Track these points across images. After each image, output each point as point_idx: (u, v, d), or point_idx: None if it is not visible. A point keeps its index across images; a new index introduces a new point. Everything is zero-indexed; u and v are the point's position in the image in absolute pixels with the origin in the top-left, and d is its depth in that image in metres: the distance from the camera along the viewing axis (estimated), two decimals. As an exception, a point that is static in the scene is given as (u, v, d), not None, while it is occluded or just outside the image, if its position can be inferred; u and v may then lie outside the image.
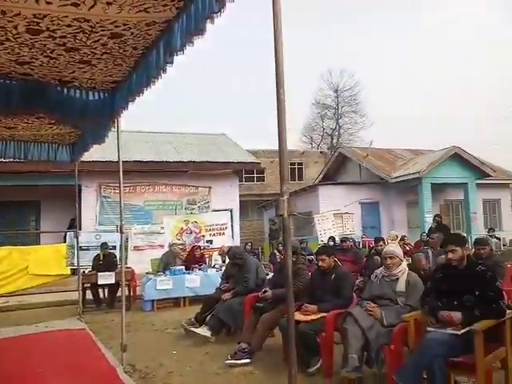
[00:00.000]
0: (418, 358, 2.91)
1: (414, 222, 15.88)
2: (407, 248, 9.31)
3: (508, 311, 3.14)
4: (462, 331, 2.92)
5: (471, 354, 2.90)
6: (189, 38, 2.60)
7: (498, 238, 14.37)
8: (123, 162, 4.50)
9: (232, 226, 12.46)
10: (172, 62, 2.93)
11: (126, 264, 6.17)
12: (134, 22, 2.87)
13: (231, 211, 12.86)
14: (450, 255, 3.18)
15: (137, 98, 3.75)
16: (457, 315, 3.02)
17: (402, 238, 10.11)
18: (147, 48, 3.26)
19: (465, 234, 12.59)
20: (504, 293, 3.57)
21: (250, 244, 11.74)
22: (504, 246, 14.67)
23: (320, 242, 12.78)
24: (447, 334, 2.97)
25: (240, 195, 15.09)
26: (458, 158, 15.05)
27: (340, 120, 36.00)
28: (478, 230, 15.15)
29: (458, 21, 55.96)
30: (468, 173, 15.28)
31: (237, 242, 12.57)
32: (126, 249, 11.28)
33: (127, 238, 11.16)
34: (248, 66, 63.34)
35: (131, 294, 8.04)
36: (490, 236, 14.24)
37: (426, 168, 14.52)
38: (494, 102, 52.64)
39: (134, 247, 11.00)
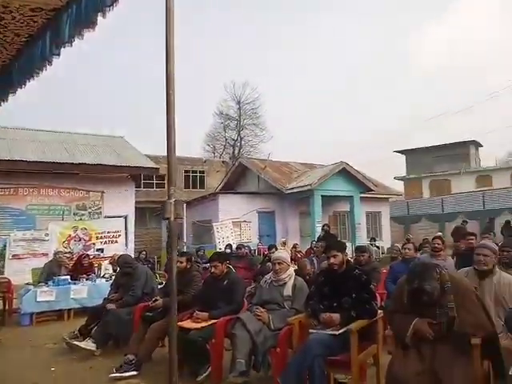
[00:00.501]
0: (300, 359, 3.06)
1: (305, 231, 16.80)
2: (298, 255, 9.83)
3: (379, 311, 3.47)
4: (340, 331, 3.15)
5: (348, 353, 3.15)
6: (78, 30, 2.46)
7: (378, 247, 15.88)
8: (2, 160, 4.05)
9: (126, 233, 11.93)
10: (59, 54, 2.74)
11: (2, 274, 5.54)
12: (16, 6, 2.63)
13: (126, 218, 12.31)
14: (332, 260, 3.42)
15: (18, 89, 3.44)
16: (336, 316, 3.25)
17: (294, 246, 10.64)
18: (32, 36, 3.00)
19: (349, 243, 13.68)
20: (378, 295, 3.96)
21: (144, 252, 11.31)
22: (382, 253, 16.24)
23: (218, 250, 12.85)
24: (327, 334, 3.17)
25: (137, 202, 14.52)
26: (345, 172, 16.34)
27: (242, 131, 36.84)
28: (362, 239, 16.58)
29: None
30: (354, 187, 16.67)
31: (131, 251, 12.05)
32: (4, 257, 10.15)
33: (5, 245, 10.04)
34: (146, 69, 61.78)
35: (6, 307, 7.22)
36: (371, 245, 15.69)
37: (317, 181, 15.50)
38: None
39: (13, 255, 9.90)
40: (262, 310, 3.77)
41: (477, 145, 33.89)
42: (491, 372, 2.74)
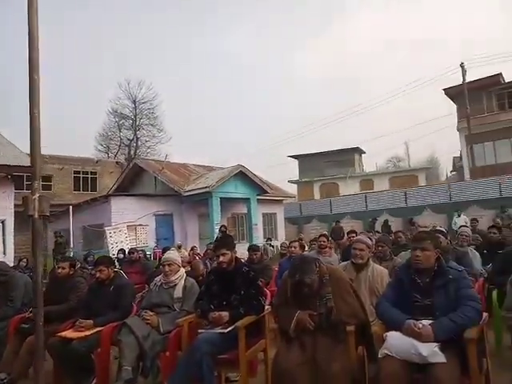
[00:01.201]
0: (188, 359, 3.02)
1: (204, 233, 16.76)
2: (197, 258, 9.76)
3: (267, 307, 3.57)
4: (229, 329, 3.17)
5: (236, 350, 3.18)
6: None
7: (273, 246, 16.48)
8: None
9: (4, 239, 10.71)
10: None
11: None
12: None
13: (3, 222, 11.03)
14: (221, 258, 3.44)
15: None
16: (225, 314, 3.27)
17: (192, 249, 10.54)
18: None
19: (247, 243, 13.97)
20: (269, 291, 4.08)
21: (25, 260, 10.26)
22: (277, 252, 16.90)
23: (112, 256, 12.16)
24: (216, 333, 3.17)
25: (18, 205, 13.08)
26: (242, 175, 16.68)
27: (138, 132, 35.53)
28: (259, 240, 17.07)
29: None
30: (251, 189, 17.10)
31: (10, 258, 10.82)
32: None
33: None
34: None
35: None
36: (268, 244, 16.25)
37: (216, 183, 15.59)
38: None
39: None
40: (151, 313, 3.65)
41: (360, 152, 37.11)
42: (365, 356, 3.00)
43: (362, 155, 38.26)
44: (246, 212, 17.89)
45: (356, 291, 3.00)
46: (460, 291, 2.62)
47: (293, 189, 33.49)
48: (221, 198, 16.08)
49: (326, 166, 34.13)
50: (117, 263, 7.49)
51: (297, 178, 35.88)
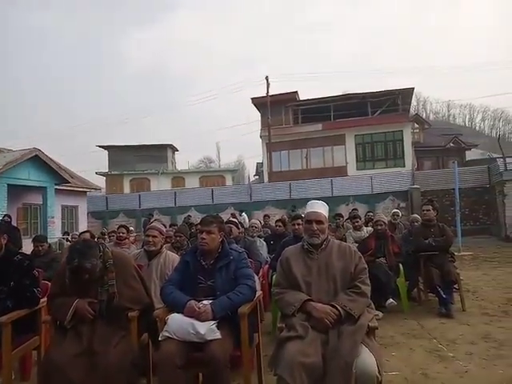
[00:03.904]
0: None
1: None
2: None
3: (43, 299, 3.16)
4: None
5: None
6: None
7: (70, 241, 15.03)
8: None
9: None
10: None
11: None
12: None
13: None
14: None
15: None
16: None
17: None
18: None
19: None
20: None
21: None
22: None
23: None
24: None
25: None
26: (38, 161, 14.75)
27: None
28: (56, 234, 15.35)
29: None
30: (48, 177, 15.26)
31: None
32: None
33: None
34: None
35: None
36: (65, 239, 14.74)
37: (3, 167, 13.36)
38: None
39: None
40: None
41: (173, 149, 37.47)
42: (150, 342, 2.94)
43: (176, 153, 38.71)
44: (41, 203, 15.89)
45: (142, 276, 2.91)
46: (239, 271, 2.81)
47: (102, 181, 31.49)
48: (9, 184, 13.86)
49: (138, 160, 33.20)
50: None
51: (106, 169, 33.87)
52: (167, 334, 2.52)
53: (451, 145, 29.27)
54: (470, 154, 30.83)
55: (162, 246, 3.82)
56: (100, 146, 34.49)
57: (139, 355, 2.64)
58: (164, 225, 4.75)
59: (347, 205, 17.80)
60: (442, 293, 4.96)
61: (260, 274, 5.21)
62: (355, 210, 10.71)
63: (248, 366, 2.59)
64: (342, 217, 8.98)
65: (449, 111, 73.33)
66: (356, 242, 6.30)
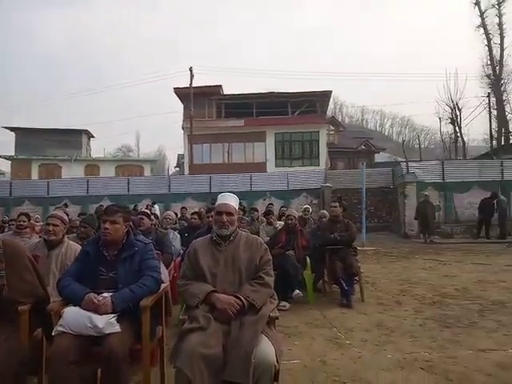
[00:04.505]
0: None
1: None
2: None
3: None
4: None
5: None
6: None
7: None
8: None
9: None
10: None
11: None
12: None
13: None
14: None
15: None
16: None
17: None
18: None
19: None
20: None
21: None
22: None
23: None
24: None
25: None
26: None
27: None
28: None
29: None
30: None
31: None
32: None
33: None
34: None
35: None
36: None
37: None
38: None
39: None
40: None
41: (89, 135, 35.40)
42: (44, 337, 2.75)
43: (91, 139, 36.61)
44: None
45: (36, 267, 2.71)
46: (144, 262, 2.74)
47: (7, 165, 28.73)
48: None
49: (48, 144, 30.87)
50: None
51: (12, 153, 30.99)
52: (61, 329, 2.38)
53: (362, 147, 31.30)
54: (379, 157, 33.28)
55: (63, 236, 3.59)
56: (6, 128, 31.42)
57: (29, 353, 2.45)
58: (67, 213, 4.47)
59: (264, 200, 18.21)
60: (344, 284, 5.30)
61: (171, 266, 5.15)
62: (271, 205, 11.02)
63: (147, 360, 2.54)
64: (257, 211, 9.18)
65: (362, 116, 78.29)
66: (268, 235, 6.49)
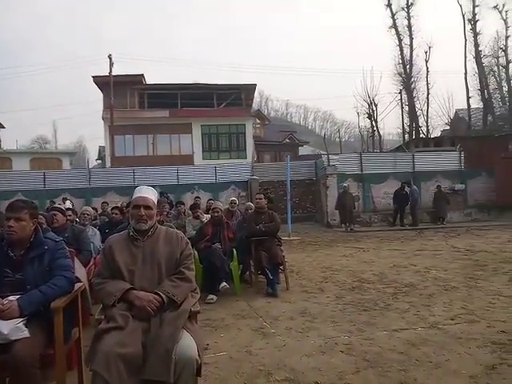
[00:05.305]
0: None
1: None
2: None
3: None
4: None
5: None
6: None
7: None
8: None
9: None
10: None
11: None
12: None
13: None
14: None
15: None
16: None
17: None
18: None
19: None
20: None
21: None
22: None
23: None
24: None
25: None
26: None
27: None
28: None
29: None
30: None
31: None
32: None
33: None
34: None
35: None
36: None
37: None
38: None
39: None
40: None
41: (-1, 125, 32.37)
42: None
43: (1, 130, 33.46)
44: None
45: None
46: (55, 262, 2.54)
47: None
48: None
49: None
50: None
51: None
52: (-41, 339, 2.14)
53: (287, 141, 32.14)
54: (303, 150, 34.39)
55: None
56: None
57: None
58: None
59: (192, 193, 17.97)
60: (269, 274, 5.39)
61: (91, 263, 4.87)
62: (198, 198, 10.88)
63: (62, 365, 2.37)
64: (184, 204, 9.02)
65: (287, 110, 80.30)
66: (195, 229, 6.41)
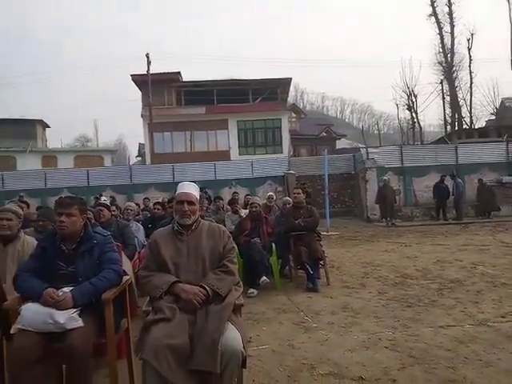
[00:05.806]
0: None
1: None
2: None
3: None
4: None
5: None
6: None
7: None
8: None
9: None
10: None
11: None
12: None
13: None
14: None
15: None
16: None
17: None
18: None
19: None
20: None
21: None
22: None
23: None
24: None
25: None
26: None
27: None
28: None
29: None
30: None
31: None
32: None
33: None
34: None
35: None
36: None
37: None
38: None
39: None
40: None
41: (44, 125, 33.92)
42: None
43: (47, 129, 35.10)
44: None
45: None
46: (103, 255, 2.64)
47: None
48: None
49: (1, 135, 29.28)
50: None
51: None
52: (20, 326, 2.27)
53: (324, 134, 31.75)
54: (340, 143, 33.86)
55: (19, 230, 3.41)
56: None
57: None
58: (22, 207, 4.25)
59: (230, 188, 18.15)
60: (309, 269, 5.36)
61: (136, 257, 5.02)
62: (236, 193, 10.97)
63: (113, 353, 2.46)
64: (223, 200, 9.12)
65: (323, 103, 79.27)
66: (234, 224, 6.47)
